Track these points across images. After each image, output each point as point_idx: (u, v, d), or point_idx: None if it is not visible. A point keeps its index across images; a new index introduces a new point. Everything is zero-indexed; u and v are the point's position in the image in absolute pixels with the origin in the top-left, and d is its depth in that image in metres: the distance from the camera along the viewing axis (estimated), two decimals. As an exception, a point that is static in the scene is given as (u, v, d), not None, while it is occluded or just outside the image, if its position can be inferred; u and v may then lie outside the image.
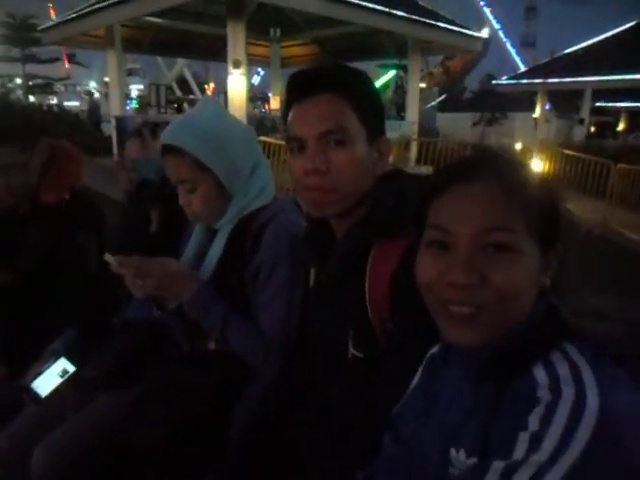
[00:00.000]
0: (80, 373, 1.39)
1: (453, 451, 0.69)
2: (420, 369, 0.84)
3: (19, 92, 15.91)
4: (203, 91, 38.01)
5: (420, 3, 11.67)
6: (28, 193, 1.66)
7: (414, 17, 10.35)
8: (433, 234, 0.69)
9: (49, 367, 1.33)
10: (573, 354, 0.62)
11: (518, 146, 14.82)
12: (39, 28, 12.92)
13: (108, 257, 1.14)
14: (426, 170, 10.16)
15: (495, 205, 0.65)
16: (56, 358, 1.36)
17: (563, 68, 16.80)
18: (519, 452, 0.58)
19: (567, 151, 11.32)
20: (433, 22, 10.87)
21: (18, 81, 16.85)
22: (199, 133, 1.23)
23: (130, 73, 40.23)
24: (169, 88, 24.23)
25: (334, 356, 1.02)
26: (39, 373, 1.33)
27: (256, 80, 29.29)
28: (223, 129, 1.27)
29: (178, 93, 33.31)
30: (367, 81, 1.03)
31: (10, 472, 1.41)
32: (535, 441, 0.57)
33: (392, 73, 16.68)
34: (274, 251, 1.23)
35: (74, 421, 1.33)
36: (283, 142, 1.14)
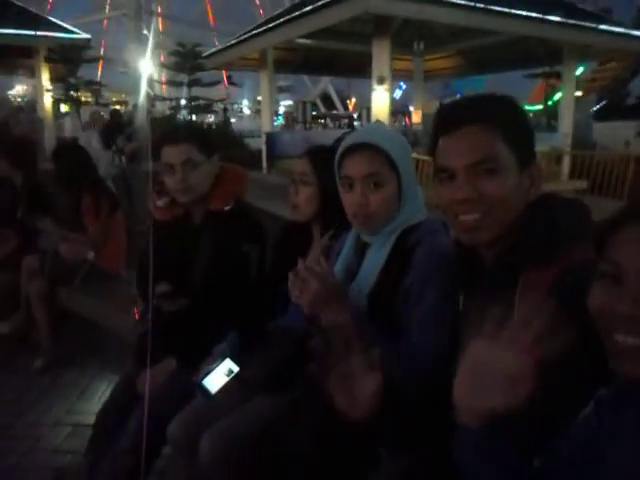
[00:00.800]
0: (242, 373, 1.52)
1: None
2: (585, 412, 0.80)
3: (183, 112, 17.67)
4: (345, 107, 39.18)
5: (579, 5, 10.85)
6: (200, 196, 1.86)
7: (571, 21, 9.65)
8: (606, 267, 0.72)
9: (217, 366, 1.47)
10: None
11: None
12: (203, 55, 14.34)
13: (301, 263, 1.24)
14: (579, 185, 9.34)
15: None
16: (223, 358, 1.51)
17: None
18: None
19: None
20: (593, 25, 10.02)
21: (182, 102, 18.73)
22: (390, 136, 1.34)
23: (282, 90, 42.88)
24: (314, 104, 25.44)
25: None
26: (209, 372, 1.48)
27: (397, 94, 29.47)
28: (402, 139, 1.37)
29: (322, 109, 34.75)
30: (516, 108, 1.03)
31: (181, 454, 1.60)
32: None
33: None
34: (424, 272, 1.24)
35: (237, 415, 1.47)
36: (425, 157, 1.18)
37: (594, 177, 9.18)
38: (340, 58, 13.26)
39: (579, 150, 10.20)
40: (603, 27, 10.19)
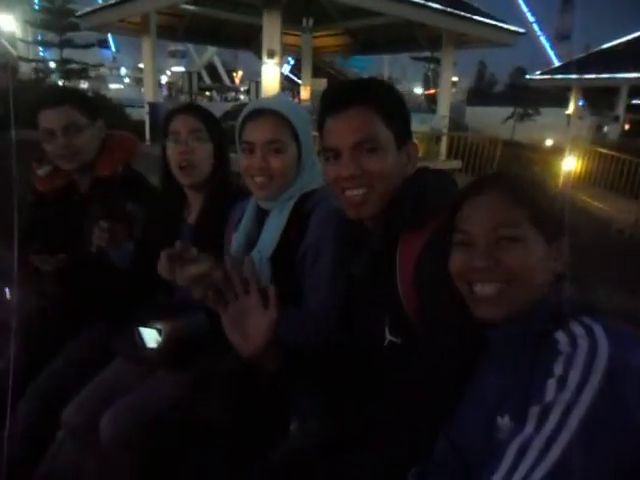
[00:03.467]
0: (144, 351, 1.47)
1: (499, 419, 0.81)
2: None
3: (54, 76, 16.19)
4: (232, 79, 38.18)
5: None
6: (86, 163, 1.75)
7: (449, 9, 10.25)
8: (459, 236, 0.91)
9: (156, 329, 1.40)
10: (588, 321, 0.78)
11: (550, 143, 14.57)
12: (77, 14, 13.15)
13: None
14: (456, 164, 10.08)
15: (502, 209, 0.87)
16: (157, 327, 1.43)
17: (599, 64, 16.38)
18: (550, 395, 0.72)
19: (601, 149, 11.11)
20: (469, 15, 10.74)
21: (52, 65, 17.13)
22: (293, 105, 1.39)
23: (173, 55, 40.18)
24: (199, 75, 24.48)
25: (372, 342, 1.12)
26: (149, 326, 1.40)
27: (286, 69, 29.32)
28: (304, 111, 1.40)
29: (207, 80, 33.54)
30: (393, 91, 1.13)
31: (75, 437, 1.52)
32: (561, 382, 0.72)
33: None
34: (320, 234, 1.29)
35: (138, 392, 1.43)
36: (315, 133, 1.24)
37: (467, 157, 9.96)
38: (227, 28, 12.90)
39: (454, 132, 10.96)
40: (477, 18, 10.95)
